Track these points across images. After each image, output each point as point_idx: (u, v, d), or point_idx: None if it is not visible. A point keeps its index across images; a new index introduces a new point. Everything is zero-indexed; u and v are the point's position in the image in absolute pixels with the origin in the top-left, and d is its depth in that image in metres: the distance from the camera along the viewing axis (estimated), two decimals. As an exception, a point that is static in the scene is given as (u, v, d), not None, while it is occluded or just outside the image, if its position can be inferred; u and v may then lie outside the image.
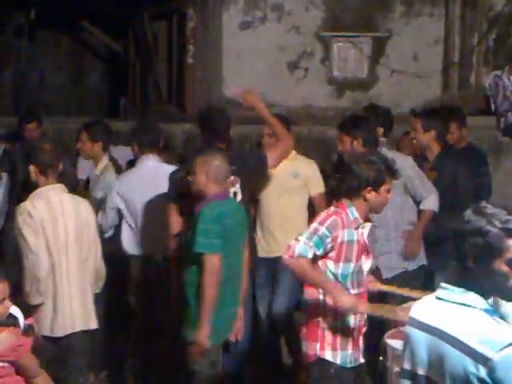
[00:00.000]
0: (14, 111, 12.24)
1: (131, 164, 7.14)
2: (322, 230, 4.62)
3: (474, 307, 2.93)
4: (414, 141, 6.63)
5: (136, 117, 11.69)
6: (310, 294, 4.79)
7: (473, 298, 2.94)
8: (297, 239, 4.60)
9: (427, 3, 10.77)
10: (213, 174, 5.16)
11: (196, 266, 5.07)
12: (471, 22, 10.77)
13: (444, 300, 3.00)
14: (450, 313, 2.97)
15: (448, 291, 3.00)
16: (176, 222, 5.79)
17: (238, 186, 5.88)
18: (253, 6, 10.53)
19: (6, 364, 4.06)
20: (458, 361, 2.88)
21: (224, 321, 5.24)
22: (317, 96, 10.58)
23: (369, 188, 4.71)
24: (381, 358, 4.76)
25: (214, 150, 5.52)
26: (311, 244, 4.57)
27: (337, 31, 10.64)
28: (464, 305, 2.95)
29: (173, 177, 5.89)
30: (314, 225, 4.68)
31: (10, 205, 8.68)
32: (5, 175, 8.82)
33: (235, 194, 5.86)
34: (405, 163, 5.97)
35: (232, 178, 5.65)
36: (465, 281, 2.97)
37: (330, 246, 4.65)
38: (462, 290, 2.97)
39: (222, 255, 5.05)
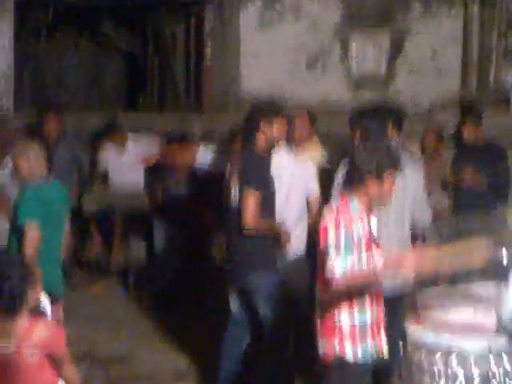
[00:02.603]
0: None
1: None
2: (342, 232, 4.53)
3: None
4: None
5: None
6: (323, 290, 4.72)
7: None
8: (329, 260, 4.50)
9: (445, 1, 10.76)
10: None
11: None
12: (490, 20, 10.75)
13: None
14: None
15: None
16: None
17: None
18: (270, 5, 10.53)
19: (41, 355, 4.04)
20: None
21: None
22: (335, 93, 10.57)
23: (370, 178, 4.64)
24: (401, 343, 4.72)
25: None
26: (343, 255, 4.49)
27: (355, 29, 10.63)
28: None
29: None
30: (331, 234, 4.56)
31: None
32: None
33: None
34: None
35: None
36: None
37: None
38: None
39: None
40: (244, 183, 5.79)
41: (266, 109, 6.05)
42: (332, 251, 4.50)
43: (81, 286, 8.42)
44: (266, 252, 5.93)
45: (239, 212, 5.77)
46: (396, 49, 10.70)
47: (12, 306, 3.96)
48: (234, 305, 5.99)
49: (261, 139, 5.96)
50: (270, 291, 5.80)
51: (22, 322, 4.01)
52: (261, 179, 5.84)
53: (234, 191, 5.85)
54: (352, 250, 4.52)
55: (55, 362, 4.07)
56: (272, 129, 5.98)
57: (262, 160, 5.94)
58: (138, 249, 8.43)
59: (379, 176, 4.64)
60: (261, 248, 5.89)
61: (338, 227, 4.55)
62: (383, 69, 10.74)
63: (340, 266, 4.46)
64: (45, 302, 4.66)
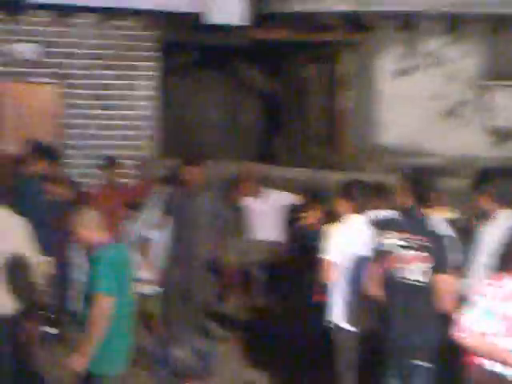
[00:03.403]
0: (173, 150, 12.62)
1: None
2: (487, 303, 4.45)
3: None
4: None
5: (288, 158, 11.85)
6: (477, 368, 4.62)
7: None
8: (465, 315, 4.47)
9: None
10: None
11: None
12: None
13: None
14: None
15: None
16: None
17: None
18: (408, 53, 10.48)
19: None
20: None
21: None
22: (474, 146, 10.45)
23: None
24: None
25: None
26: (483, 317, 4.44)
27: (494, 80, 10.48)
28: None
29: None
30: (478, 299, 4.49)
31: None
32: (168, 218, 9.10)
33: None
34: None
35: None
36: None
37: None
38: None
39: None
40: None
41: None
42: (471, 306, 4.45)
43: (221, 340, 8.53)
44: None
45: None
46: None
47: None
48: None
49: None
50: None
51: None
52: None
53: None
54: (493, 317, 4.44)
55: None
56: None
57: None
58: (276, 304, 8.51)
59: None
60: None
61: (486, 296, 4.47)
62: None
63: (477, 322, 4.41)
64: None
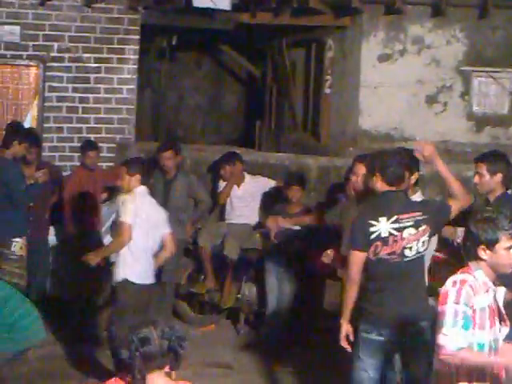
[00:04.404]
0: (153, 132, 12.56)
1: None
2: (461, 308, 4.39)
3: None
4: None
5: (270, 142, 11.81)
6: (443, 365, 4.57)
7: None
8: (443, 334, 4.37)
9: None
10: None
11: None
12: None
13: None
14: None
15: None
16: None
17: None
18: (393, 38, 10.41)
19: None
20: None
21: None
22: (455, 131, 10.40)
23: (482, 247, 4.46)
24: None
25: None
26: (460, 331, 4.36)
27: (478, 66, 10.42)
28: None
29: None
30: (450, 307, 4.42)
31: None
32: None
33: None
34: None
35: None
36: None
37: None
38: None
39: None
40: None
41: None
42: (449, 323, 4.36)
43: (192, 323, 8.53)
44: None
45: None
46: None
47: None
48: None
49: None
50: None
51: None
52: None
53: None
54: (470, 326, 4.38)
55: None
56: None
57: None
58: (250, 290, 8.46)
59: (491, 245, 4.44)
60: None
61: (458, 301, 4.40)
62: (506, 107, 10.51)
63: (454, 340, 4.33)
64: None
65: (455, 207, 5.89)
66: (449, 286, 4.51)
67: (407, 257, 5.68)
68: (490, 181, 6.29)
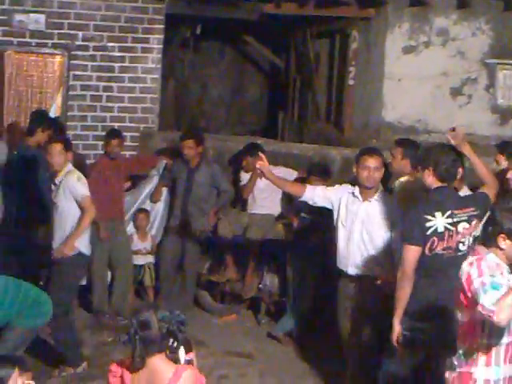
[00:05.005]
0: (176, 122, 12.58)
1: None
2: (487, 278, 4.37)
3: None
4: None
5: (293, 133, 11.81)
6: (466, 314, 4.59)
7: None
8: (480, 304, 4.33)
9: None
10: None
11: None
12: None
13: None
14: None
15: None
16: None
17: None
18: (417, 29, 10.37)
19: None
20: None
21: None
22: (479, 124, 10.35)
23: (502, 235, 4.47)
24: None
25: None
26: (490, 291, 4.32)
27: (503, 58, 10.37)
28: None
29: None
30: (477, 282, 4.39)
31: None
32: (165, 190, 9.11)
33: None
34: None
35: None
36: None
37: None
38: None
39: None
40: None
41: None
42: (480, 293, 4.35)
43: (213, 313, 8.55)
44: None
45: None
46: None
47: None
48: None
49: None
50: None
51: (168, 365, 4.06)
52: None
53: None
54: (500, 286, 4.35)
55: None
56: None
57: None
58: (271, 280, 8.47)
59: None
60: None
61: (481, 274, 4.40)
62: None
63: (489, 300, 4.31)
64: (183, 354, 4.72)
65: (491, 195, 5.90)
66: (467, 268, 4.52)
67: (461, 251, 5.65)
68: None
